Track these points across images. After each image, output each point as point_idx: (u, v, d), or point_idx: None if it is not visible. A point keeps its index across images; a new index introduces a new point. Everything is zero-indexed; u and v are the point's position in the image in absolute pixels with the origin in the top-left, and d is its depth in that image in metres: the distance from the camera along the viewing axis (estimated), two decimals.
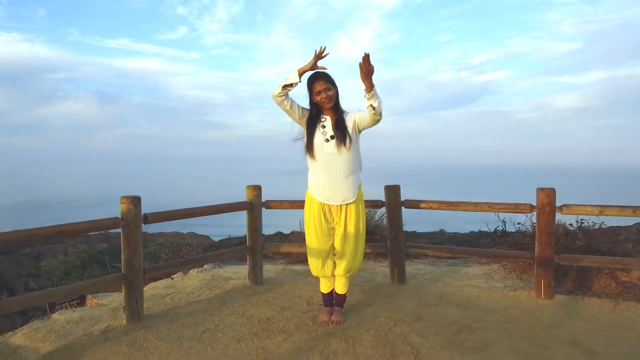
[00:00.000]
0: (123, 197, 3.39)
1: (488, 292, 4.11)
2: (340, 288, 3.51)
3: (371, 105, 3.07)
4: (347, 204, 3.28)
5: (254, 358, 2.93)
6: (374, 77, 3.02)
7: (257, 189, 4.25)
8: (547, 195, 3.83)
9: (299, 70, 3.12)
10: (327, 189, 3.25)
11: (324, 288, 3.54)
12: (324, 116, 3.26)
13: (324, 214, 3.32)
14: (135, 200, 3.38)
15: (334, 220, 3.33)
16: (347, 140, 3.17)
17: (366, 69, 2.95)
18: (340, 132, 3.17)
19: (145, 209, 3.64)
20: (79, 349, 3.13)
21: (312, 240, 3.39)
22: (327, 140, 3.19)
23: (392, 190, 4.22)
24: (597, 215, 4.03)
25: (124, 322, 3.50)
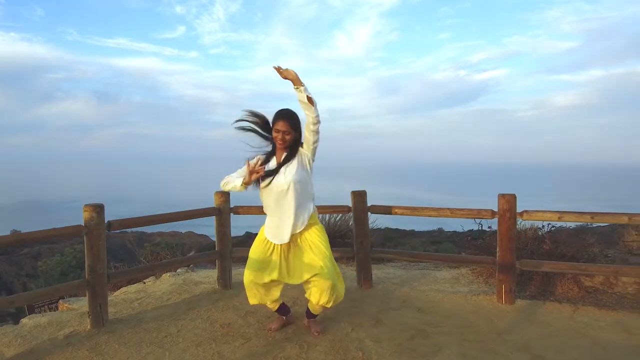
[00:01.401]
0: (86, 205, 3.45)
1: (451, 297, 4.18)
2: (314, 310, 3.33)
3: (304, 99, 2.90)
4: (297, 234, 3.17)
5: None
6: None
7: (225, 194, 4.32)
8: (508, 202, 3.89)
9: (244, 181, 3.04)
10: (273, 227, 3.19)
11: (273, 306, 3.41)
12: (276, 156, 3.19)
13: (271, 248, 3.23)
14: (98, 208, 3.45)
15: (283, 254, 3.21)
16: (288, 180, 3.05)
17: (284, 75, 2.94)
18: (284, 171, 3.07)
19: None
20: (41, 354, 3.20)
21: (253, 267, 3.26)
22: (269, 183, 3.10)
23: (358, 196, 4.28)
24: (557, 221, 4.08)
25: (88, 327, 3.57)
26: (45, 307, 5.38)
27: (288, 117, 3.08)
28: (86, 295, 3.65)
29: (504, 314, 3.77)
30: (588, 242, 4.78)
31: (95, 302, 3.49)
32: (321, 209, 4.64)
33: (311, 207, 3.22)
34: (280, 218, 3.14)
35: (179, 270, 5.08)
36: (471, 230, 5.52)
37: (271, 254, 3.24)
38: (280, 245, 3.20)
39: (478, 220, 5.55)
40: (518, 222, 4.68)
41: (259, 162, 3.16)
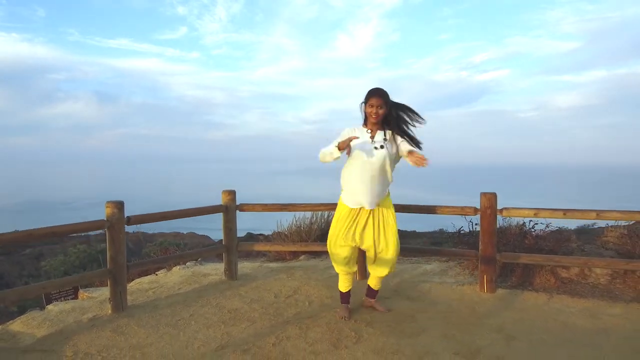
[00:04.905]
0: (108, 202, 3.85)
1: (438, 287, 4.57)
2: (376, 285, 3.90)
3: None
4: (378, 208, 3.59)
5: (219, 341, 3.39)
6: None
7: (232, 193, 4.71)
8: (489, 200, 4.29)
9: (339, 145, 3.37)
10: (360, 193, 3.53)
11: (343, 287, 3.82)
12: (369, 129, 3.57)
13: (352, 218, 3.61)
14: (119, 205, 3.84)
15: (361, 224, 3.61)
16: (393, 153, 3.50)
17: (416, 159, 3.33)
18: (389, 145, 3.50)
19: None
20: (69, 334, 3.59)
21: (337, 242, 3.67)
22: (376, 148, 3.47)
23: None
24: (533, 217, 4.47)
25: (110, 311, 3.97)
26: (62, 297, 5.76)
27: (381, 94, 3.46)
28: (107, 284, 4.05)
29: (484, 302, 4.17)
30: (566, 237, 5.18)
31: (117, 289, 3.89)
32: (317, 207, 5.04)
33: (390, 180, 3.61)
34: (369, 185, 3.47)
35: (188, 263, 5.47)
36: (461, 228, 5.92)
37: (352, 222, 3.61)
38: (359, 213, 3.59)
39: (469, 219, 5.97)
40: (507, 220, 5.10)
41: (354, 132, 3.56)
